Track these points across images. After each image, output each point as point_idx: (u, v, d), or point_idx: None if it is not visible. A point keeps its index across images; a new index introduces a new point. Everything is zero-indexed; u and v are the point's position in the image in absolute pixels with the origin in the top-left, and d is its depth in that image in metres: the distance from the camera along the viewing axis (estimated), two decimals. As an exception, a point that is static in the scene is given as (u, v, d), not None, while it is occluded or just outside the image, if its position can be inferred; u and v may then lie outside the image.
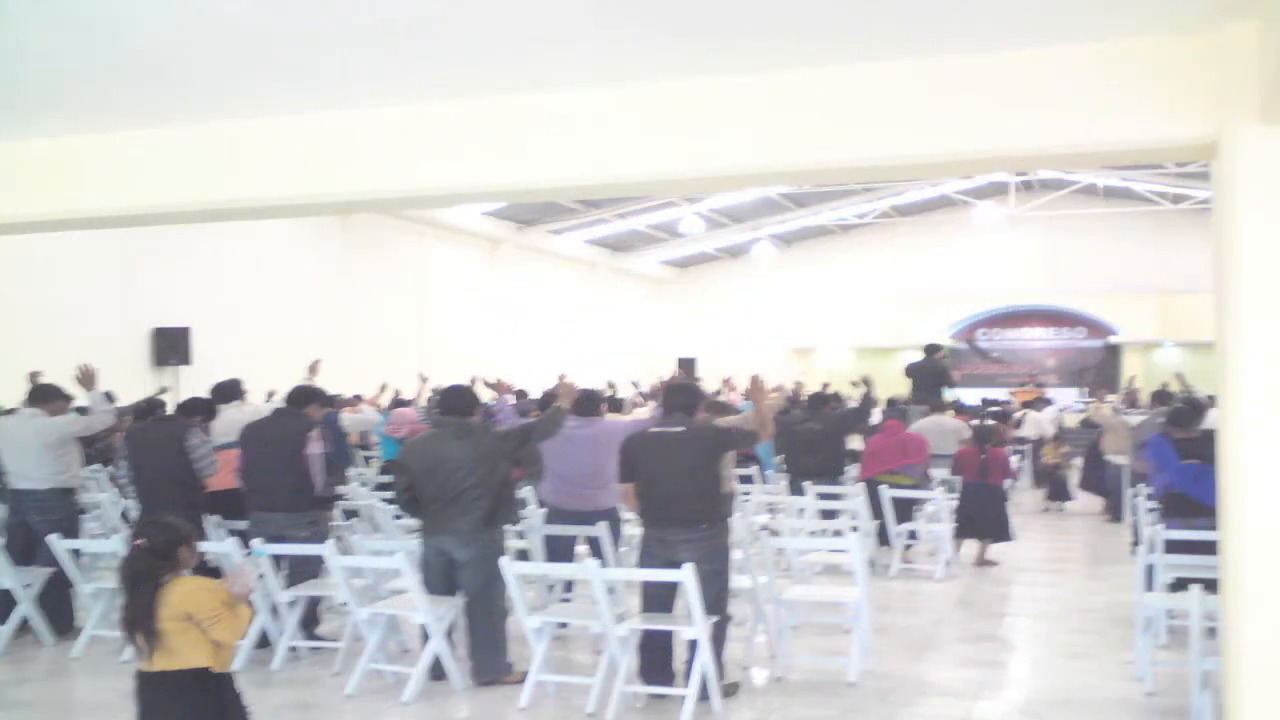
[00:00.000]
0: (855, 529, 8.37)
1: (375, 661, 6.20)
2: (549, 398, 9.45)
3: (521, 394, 12.50)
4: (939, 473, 10.63)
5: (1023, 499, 14.00)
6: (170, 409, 8.59)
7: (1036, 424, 15.13)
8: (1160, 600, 6.30)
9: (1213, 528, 4.56)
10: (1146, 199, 22.53)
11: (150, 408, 8.59)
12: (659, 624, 5.71)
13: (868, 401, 10.59)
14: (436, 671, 6.10)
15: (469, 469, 6.11)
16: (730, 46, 4.36)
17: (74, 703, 6.22)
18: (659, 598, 5.82)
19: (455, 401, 6.44)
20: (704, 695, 5.58)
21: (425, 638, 6.09)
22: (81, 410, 7.97)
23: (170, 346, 13.89)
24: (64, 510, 7.34)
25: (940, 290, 24.89)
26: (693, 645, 5.59)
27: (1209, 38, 3.97)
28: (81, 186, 5.65)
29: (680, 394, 6.05)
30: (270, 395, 11.28)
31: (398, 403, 12.67)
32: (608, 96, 4.81)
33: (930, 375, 14.09)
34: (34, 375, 8.66)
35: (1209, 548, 5.34)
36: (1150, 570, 6.49)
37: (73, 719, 5.99)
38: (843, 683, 6.13)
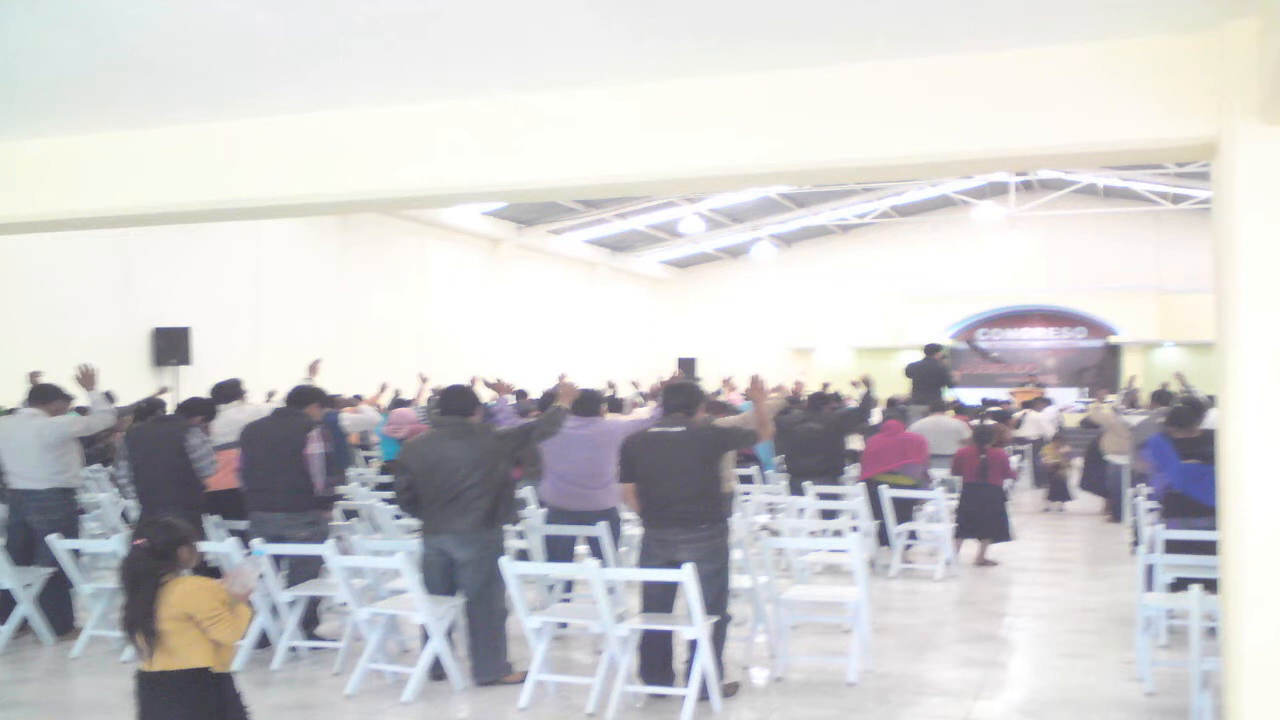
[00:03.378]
0: (855, 529, 8.37)
1: (375, 661, 6.20)
2: (549, 398, 9.44)
3: (521, 394, 12.49)
4: (939, 473, 10.62)
5: (1023, 499, 14.00)
6: (170, 409, 8.59)
7: (1036, 424, 15.14)
8: (1160, 600, 6.29)
9: (1213, 528, 4.57)
10: (1146, 199, 22.52)
11: (150, 408, 8.58)
12: (659, 624, 5.71)
13: (868, 401, 10.59)
14: (436, 671, 6.10)
15: (469, 469, 6.11)
16: (730, 46, 4.36)
17: (74, 703, 6.21)
18: (659, 598, 5.82)
19: (455, 401, 6.44)
20: (704, 695, 5.58)
21: (425, 638, 6.09)
22: (81, 410, 7.97)
23: (170, 346, 13.88)
24: (64, 510, 7.33)
25: (940, 290, 24.87)
26: (693, 645, 5.59)
27: (1209, 38, 3.98)
28: (81, 186, 5.65)
29: (680, 394, 6.04)
30: (270, 395, 11.28)
31: (398, 403, 12.66)
32: (608, 96, 4.82)
33: (930, 375, 14.09)
34: (34, 375, 8.66)
35: (1209, 548, 5.34)
36: (1150, 570, 6.49)
37: (73, 719, 5.98)
38: (843, 683, 6.13)
